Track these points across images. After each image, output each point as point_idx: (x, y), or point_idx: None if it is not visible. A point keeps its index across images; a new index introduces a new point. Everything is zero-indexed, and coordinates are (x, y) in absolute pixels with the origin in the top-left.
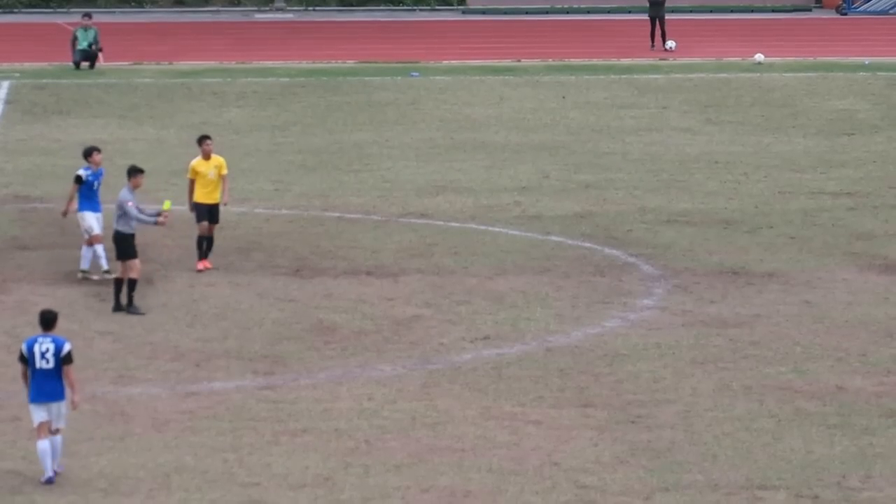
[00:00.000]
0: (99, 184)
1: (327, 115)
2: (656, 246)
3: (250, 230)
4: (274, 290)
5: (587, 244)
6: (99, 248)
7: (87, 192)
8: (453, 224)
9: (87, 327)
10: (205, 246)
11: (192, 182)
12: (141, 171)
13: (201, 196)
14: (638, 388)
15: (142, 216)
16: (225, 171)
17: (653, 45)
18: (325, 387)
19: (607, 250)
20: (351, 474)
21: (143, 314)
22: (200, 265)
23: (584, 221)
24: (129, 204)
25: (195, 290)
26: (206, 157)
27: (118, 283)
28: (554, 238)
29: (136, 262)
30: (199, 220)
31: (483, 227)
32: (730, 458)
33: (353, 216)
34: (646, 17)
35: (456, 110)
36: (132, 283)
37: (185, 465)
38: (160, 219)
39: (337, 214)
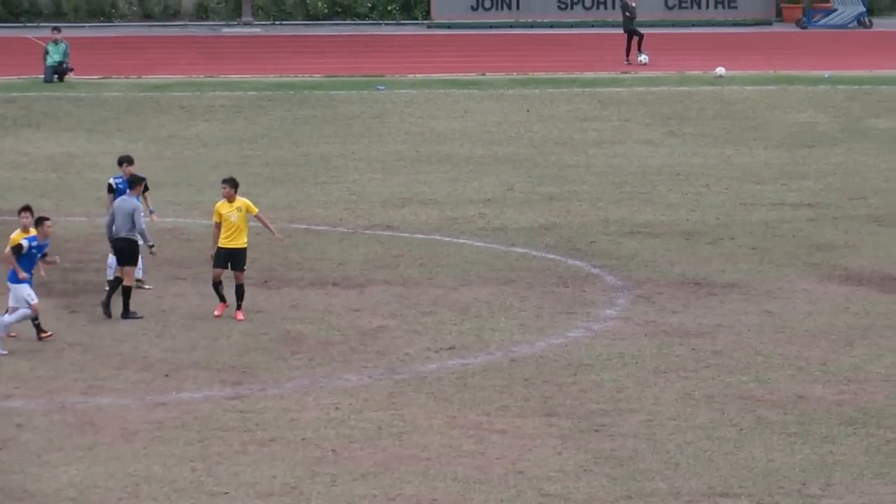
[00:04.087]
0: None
1: (294, 129)
2: (619, 257)
3: None
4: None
5: (551, 255)
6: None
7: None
8: (419, 236)
9: (57, 338)
10: (234, 293)
11: (216, 225)
12: (143, 179)
13: (222, 240)
14: (601, 398)
15: (145, 234)
16: (256, 210)
17: (627, 59)
18: (292, 397)
19: (571, 261)
20: (318, 483)
21: (141, 318)
22: (219, 310)
23: (547, 233)
24: (140, 217)
25: (164, 300)
26: (229, 199)
27: (116, 282)
28: (518, 249)
29: (133, 270)
30: (214, 264)
31: (448, 239)
32: (692, 467)
33: (319, 228)
34: (609, 31)
35: (421, 123)
36: (128, 291)
37: (154, 474)
38: (153, 250)
39: (304, 226)
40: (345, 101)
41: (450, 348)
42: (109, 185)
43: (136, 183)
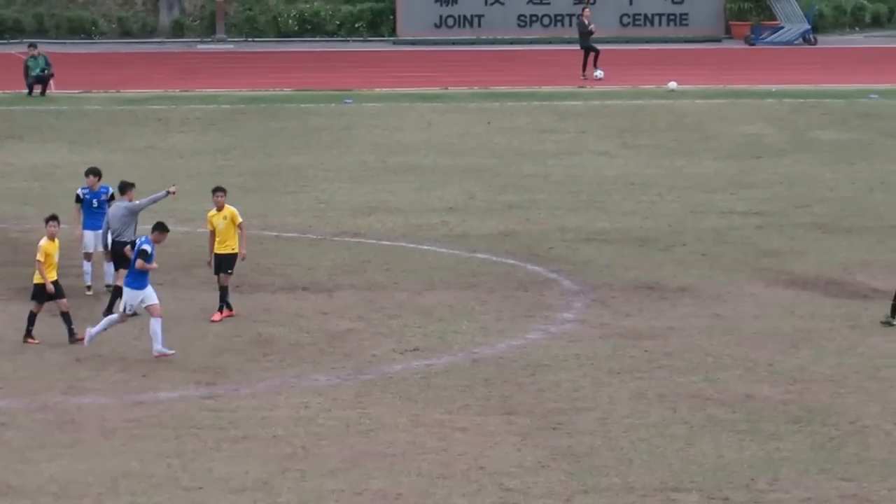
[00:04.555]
0: (99, 202)
1: (266, 140)
2: (576, 263)
3: (193, 248)
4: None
5: (511, 261)
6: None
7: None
8: (385, 242)
9: (40, 340)
10: (219, 294)
11: (211, 233)
12: (133, 185)
13: (215, 246)
14: (559, 397)
15: (154, 196)
16: (239, 220)
17: (584, 74)
18: (264, 396)
19: (530, 267)
20: (288, 479)
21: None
22: (216, 316)
23: (507, 240)
24: (137, 202)
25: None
26: (218, 208)
27: (118, 291)
28: (479, 255)
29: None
30: (214, 271)
31: (413, 245)
32: (645, 463)
33: (290, 235)
34: (566, 48)
35: (387, 135)
36: (119, 291)
37: (132, 470)
38: (172, 189)
39: (275, 233)
40: (314, 114)
41: (414, 350)
42: (77, 196)
43: (126, 189)
